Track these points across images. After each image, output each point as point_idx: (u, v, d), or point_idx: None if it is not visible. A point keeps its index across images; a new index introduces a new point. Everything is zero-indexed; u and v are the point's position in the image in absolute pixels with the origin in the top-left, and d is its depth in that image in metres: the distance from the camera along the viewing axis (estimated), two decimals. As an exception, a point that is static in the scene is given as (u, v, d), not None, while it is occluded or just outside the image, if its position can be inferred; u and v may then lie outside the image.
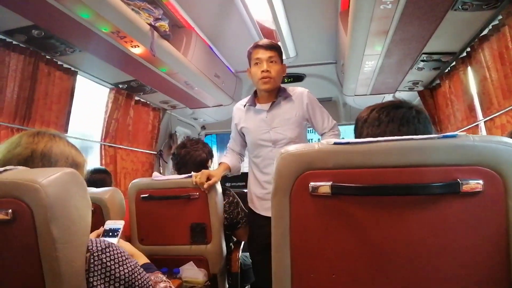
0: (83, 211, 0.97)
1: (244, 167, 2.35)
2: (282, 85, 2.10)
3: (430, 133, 0.93)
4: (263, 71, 1.93)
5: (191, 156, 2.06)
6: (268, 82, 1.94)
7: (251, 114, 2.09)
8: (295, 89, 2.06)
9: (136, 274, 1.06)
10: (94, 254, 0.98)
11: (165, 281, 1.27)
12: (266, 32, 2.74)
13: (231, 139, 2.27)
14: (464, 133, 0.73)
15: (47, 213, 0.85)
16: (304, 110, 2.01)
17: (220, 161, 2.19)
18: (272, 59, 1.95)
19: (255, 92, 2.11)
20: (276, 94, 2.03)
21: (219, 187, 1.90)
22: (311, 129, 2.21)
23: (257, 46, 1.99)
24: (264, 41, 2.02)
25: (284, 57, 3.05)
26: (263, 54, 1.95)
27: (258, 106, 2.04)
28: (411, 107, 0.97)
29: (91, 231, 1.01)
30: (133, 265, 1.06)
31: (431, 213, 0.72)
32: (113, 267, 1.00)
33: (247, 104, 2.10)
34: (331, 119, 2.07)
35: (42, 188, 0.85)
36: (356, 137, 1.04)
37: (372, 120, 0.99)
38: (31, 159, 1.07)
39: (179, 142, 3.25)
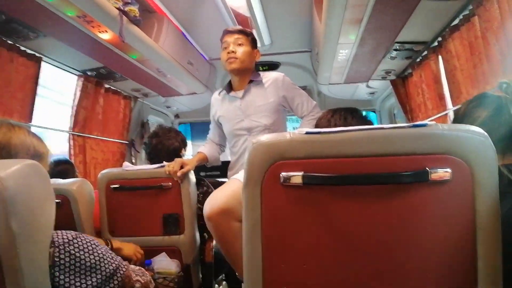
0: (46, 205, 0.93)
1: (224, 157, 2.32)
2: (258, 72, 2.07)
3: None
4: (228, 52, 1.94)
5: (164, 145, 2.02)
6: (233, 62, 1.93)
7: (226, 103, 2.06)
8: (269, 74, 2.03)
9: (108, 259, 1.04)
10: (60, 248, 0.95)
11: (135, 265, 1.27)
12: (240, 19, 2.69)
13: (210, 130, 2.25)
14: (434, 122, 0.74)
15: (7, 207, 0.81)
16: (279, 96, 1.98)
17: (198, 150, 2.16)
18: (239, 41, 1.96)
19: (230, 80, 2.08)
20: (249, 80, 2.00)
21: (192, 177, 1.87)
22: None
23: (225, 31, 2.01)
24: (233, 26, 2.04)
25: (259, 44, 3.03)
26: (230, 38, 1.96)
27: (232, 93, 2.02)
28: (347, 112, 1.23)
29: (58, 224, 0.98)
30: (104, 251, 1.05)
31: (401, 202, 0.72)
32: (82, 256, 0.97)
33: (222, 92, 2.08)
34: (310, 102, 2.05)
35: (0, 181, 0.80)
36: None
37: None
38: None
39: (151, 131, 3.18)
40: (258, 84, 1.99)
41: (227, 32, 1.99)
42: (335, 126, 1.17)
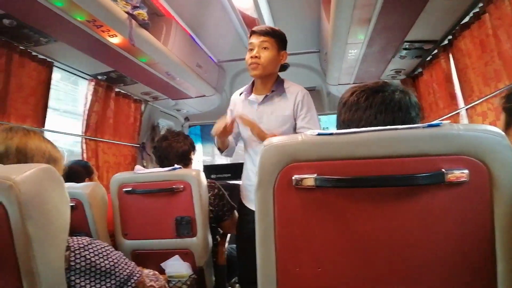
0: (61, 208, 0.94)
1: (236, 159, 2.31)
2: (283, 78, 2.00)
3: (413, 120, 0.91)
4: (252, 56, 1.86)
5: (173, 148, 2.03)
6: (255, 69, 1.87)
7: (246, 104, 2.02)
8: (292, 86, 1.96)
9: (122, 264, 1.07)
10: (76, 252, 0.97)
11: (149, 270, 1.29)
12: (248, 20, 2.70)
13: None
14: (449, 121, 0.73)
15: (22, 211, 0.82)
16: (294, 109, 1.92)
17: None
18: (265, 45, 1.86)
19: (254, 81, 2.03)
20: (272, 86, 1.95)
21: (203, 179, 1.87)
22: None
23: (252, 32, 1.92)
24: (260, 26, 1.92)
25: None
26: (256, 39, 1.87)
27: (252, 96, 1.98)
28: (394, 91, 0.92)
29: (72, 228, 0.99)
30: (118, 256, 1.07)
31: (416, 204, 0.71)
32: (98, 261, 0.99)
33: (243, 93, 2.04)
34: (315, 120, 1.92)
35: (16, 185, 0.82)
36: (337, 119, 1.01)
37: (350, 104, 0.95)
38: (5, 155, 1.04)
39: (161, 134, 3.20)
40: (280, 95, 1.94)
41: (254, 32, 1.90)
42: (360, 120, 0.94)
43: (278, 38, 1.90)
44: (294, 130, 1.96)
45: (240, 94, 2.07)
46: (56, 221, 0.92)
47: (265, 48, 1.86)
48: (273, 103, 1.94)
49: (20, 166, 0.92)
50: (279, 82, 1.96)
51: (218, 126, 1.82)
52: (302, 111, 1.92)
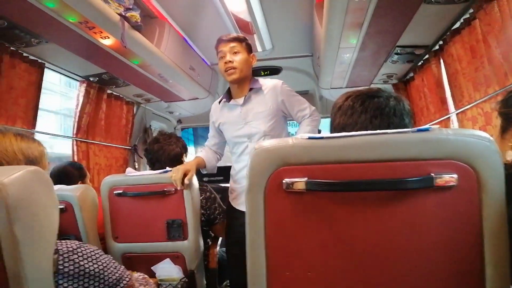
0: (49, 211, 0.93)
1: (227, 161, 2.32)
2: (257, 78, 2.06)
3: (406, 126, 0.92)
4: (225, 62, 1.93)
5: (165, 151, 2.02)
6: (232, 73, 1.93)
7: (227, 111, 2.07)
8: (268, 82, 2.02)
9: (112, 269, 1.06)
10: (64, 256, 0.95)
11: (139, 273, 1.28)
12: (241, 24, 2.70)
13: (209, 137, 2.24)
14: (438, 126, 0.73)
15: (10, 214, 0.81)
16: (278, 102, 1.97)
17: (196, 155, 2.16)
18: (235, 50, 1.94)
19: (229, 88, 2.08)
20: (248, 87, 2.00)
21: (195, 182, 1.86)
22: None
23: (219, 41, 1.99)
24: (226, 34, 2.01)
25: (260, 49, 3.06)
26: (225, 47, 1.95)
27: (232, 101, 2.03)
28: (388, 97, 0.94)
29: (62, 230, 0.98)
30: (107, 260, 1.06)
31: (406, 208, 0.72)
32: (86, 265, 0.98)
33: (222, 101, 2.08)
34: (309, 106, 2.03)
35: (3, 187, 0.81)
36: (331, 124, 1.02)
37: (346, 109, 0.96)
38: None
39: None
40: (257, 91, 2.00)
41: (221, 41, 1.98)
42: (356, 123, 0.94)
43: (244, 42, 2.00)
44: (285, 123, 2.07)
45: (219, 102, 2.12)
46: (44, 224, 0.91)
47: (236, 52, 1.95)
48: (254, 101, 2.00)
49: (8, 168, 0.91)
50: (254, 81, 2.02)
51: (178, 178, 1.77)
52: (291, 104, 2.00)
